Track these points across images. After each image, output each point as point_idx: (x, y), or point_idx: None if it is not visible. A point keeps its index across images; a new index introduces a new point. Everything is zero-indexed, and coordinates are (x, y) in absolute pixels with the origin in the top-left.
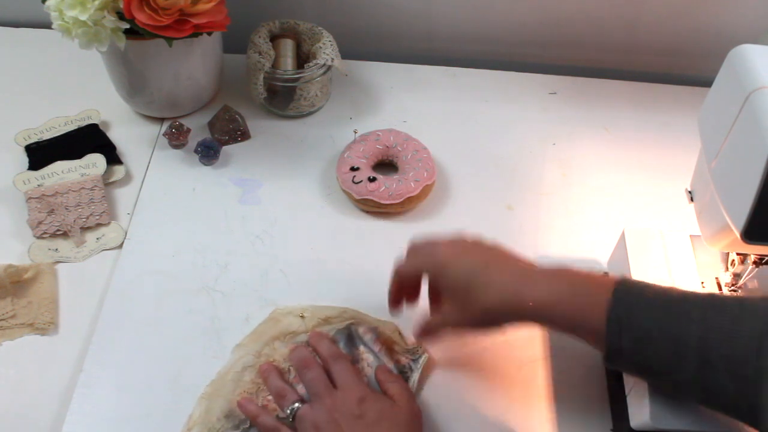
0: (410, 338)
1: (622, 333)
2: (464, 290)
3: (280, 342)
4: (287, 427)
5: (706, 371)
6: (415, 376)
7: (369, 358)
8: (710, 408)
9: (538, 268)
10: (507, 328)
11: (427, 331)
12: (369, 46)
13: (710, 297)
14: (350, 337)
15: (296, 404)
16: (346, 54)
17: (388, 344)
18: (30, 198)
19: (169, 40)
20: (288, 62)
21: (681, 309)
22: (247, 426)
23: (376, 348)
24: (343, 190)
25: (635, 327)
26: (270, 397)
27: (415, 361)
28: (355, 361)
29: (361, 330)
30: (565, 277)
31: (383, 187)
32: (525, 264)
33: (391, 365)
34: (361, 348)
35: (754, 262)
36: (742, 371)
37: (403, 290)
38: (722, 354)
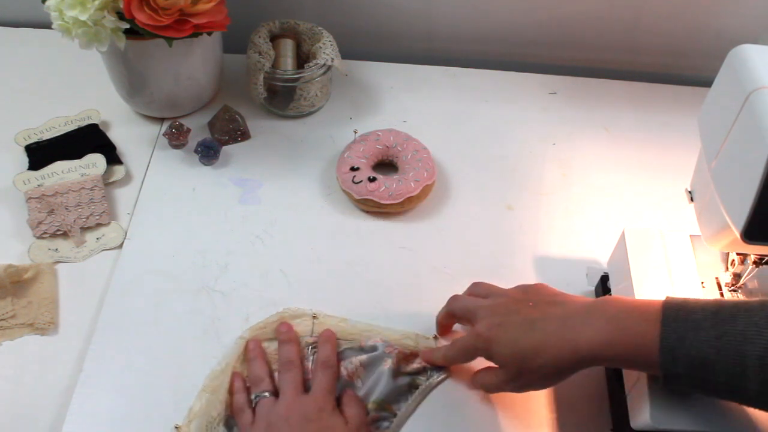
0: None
1: (677, 362)
2: (518, 363)
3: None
4: (251, 412)
5: None
6: (432, 381)
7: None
8: None
9: (581, 306)
10: (567, 378)
11: (478, 386)
12: (369, 46)
13: (761, 307)
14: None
15: (265, 393)
16: (346, 54)
17: (404, 352)
18: (30, 198)
19: (169, 40)
20: (288, 62)
21: (735, 329)
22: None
23: (388, 350)
24: (343, 190)
25: (689, 354)
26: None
27: (434, 371)
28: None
29: (370, 341)
30: (609, 312)
31: (383, 187)
32: (569, 305)
33: (406, 365)
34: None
35: (754, 262)
36: None
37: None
38: None
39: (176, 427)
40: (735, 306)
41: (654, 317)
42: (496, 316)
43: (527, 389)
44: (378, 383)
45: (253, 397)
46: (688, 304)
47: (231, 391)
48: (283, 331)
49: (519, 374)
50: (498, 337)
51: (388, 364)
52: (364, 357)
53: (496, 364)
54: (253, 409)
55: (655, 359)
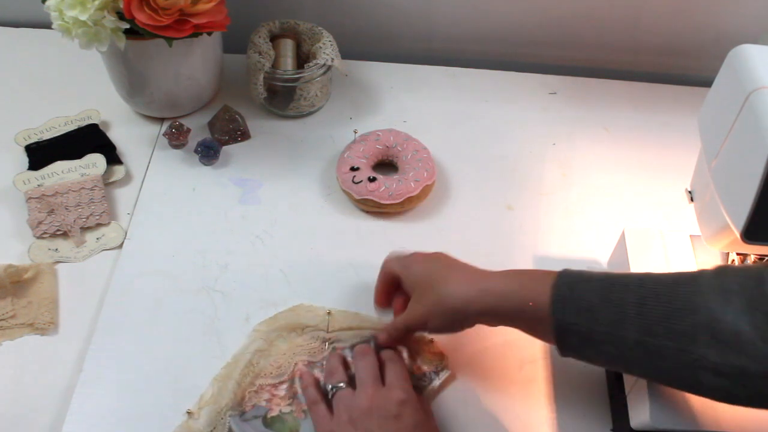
0: (438, 345)
1: (566, 307)
2: (426, 284)
3: (296, 333)
4: (325, 405)
5: (647, 335)
6: (434, 385)
7: None
8: (656, 379)
9: (493, 271)
10: (463, 328)
11: (391, 334)
12: (369, 46)
13: (647, 273)
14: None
15: (341, 384)
16: (346, 54)
17: (413, 351)
18: (30, 198)
19: (169, 40)
20: (288, 62)
21: (620, 281)
22: (246, 414)
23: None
24: (343, 190)
25: (577, 299)
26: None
27: (436, 373)
28: None
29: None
30: (514, 272)
31: (383, 187)
32: (484, 270)
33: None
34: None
35: (754, 262)
36: (679, 328)
37: (384, 293)
38: (660, 315)
39: (188, 412)
40: (626, 273)
41: (551, 276)
42: (422, 253)
43: (428, 324)
44: None
45: (329, 387)
46: (585, 270)
47: (302, 384)
48: (332, 356)
49: (425, 300)
50: (420, 261)
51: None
52: None
53: (408, 285)
54: (329, 402)
55: (547, 309)
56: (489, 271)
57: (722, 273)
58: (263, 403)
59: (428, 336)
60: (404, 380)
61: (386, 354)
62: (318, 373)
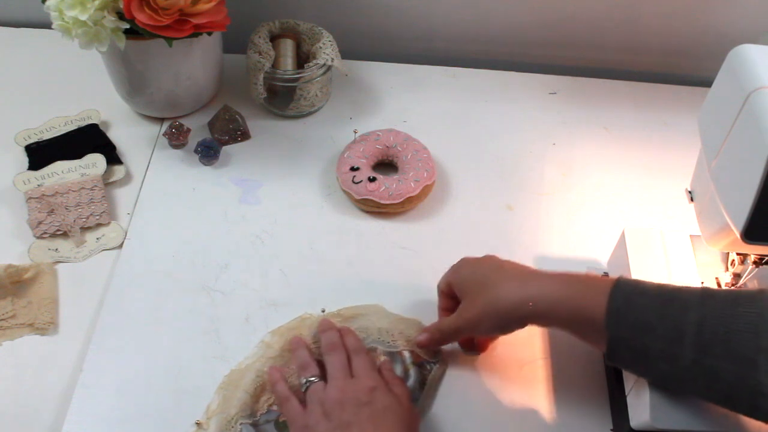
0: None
1: (621, 322)
2: (478, 287)
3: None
4: (297, 399)
5: (705, 355)
6: (434, 374)
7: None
8: (710, 399)
9: (544, 272)
10: (514, 330)
11: (434, 334)
12: (369, 46)
13: (705, 288)
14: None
15: (313, 378)
16: (346, 54)
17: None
18: (30, 198)
19: (169, 40)
20: (288, 62)
21: (678, 297)
22: (258, 419)
23: (394, 341)
24: (343, 190)
25: (634, 315)
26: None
27: (434, 362)
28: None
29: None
30: (567, 276)
31: (383, 187)
32: (534, 269)
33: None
34: (379, 349)
35: (754, 262)
36: (739, 351)
37: (445, 309)
38: (720, 336)
39: (197, 423)
40: (682, 285)
41: (606, 285)
42: (474, 258)
43: (479, 327)
44: (407, 379)
45: (303, 381)
46: (640, 280)
47: (270, 382)
48: (294, 342)
49: (475, 303)
50: (471, 263)
51: (407, 358)
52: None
53: (459, 288)
54: (303, 397)
55: (601, 320)
56: (541, 272)
57: None
58: (274, 408)
59: (421, 326)
60: (371, 369)
61: (350, 345)
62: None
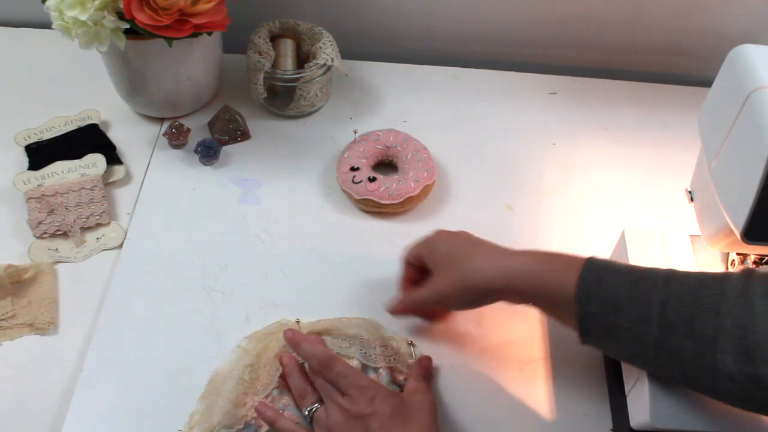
0: (418, 352)
1: (592, 298)
2: (450, 260)
3: (284, 346)
4: (305, 430)
5: (669, 334)
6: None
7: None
8: (673, 378)
9: (519, 250)
10: (484, 304)
11: (406, 304)
12: (369, 46)
13: (673, 270)
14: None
15: (315, 405)
16: (346, 54)
17: (392, 360)
18: (30, 198)
19: (169, 40)
20: (288, 62)
21: (647, 278)
22: (242, 427)
23: (376, 358)
24: (343, 190)
25: (604, 292)
26: (273, 395)
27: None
28: None
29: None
30: (541, 254)
31: (383, 187)
32: (509, 248)
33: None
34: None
35: (754, 262)
36: (701, 331)
37: (408, 278)
38: (684, 316)
39: None
40: (653, 267)
41: (578, 263)
42: (447, 231)
43: (447, 300)
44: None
45: (306, 413)
46: (611, 260)
47: (267, 422)
48: (289, 337)
49: (447, 275)
50: (444, 237)
51: (383, 377)
52: (356, 362)
53: (431, 261)
54: (310, 426)
55: (571, 295)
56: (514, 249)
57: (748, 277)
58: (252, 421)
59: (407, 341)
60: (359, 378)
61: (323, 357)
62: (287, 399)
